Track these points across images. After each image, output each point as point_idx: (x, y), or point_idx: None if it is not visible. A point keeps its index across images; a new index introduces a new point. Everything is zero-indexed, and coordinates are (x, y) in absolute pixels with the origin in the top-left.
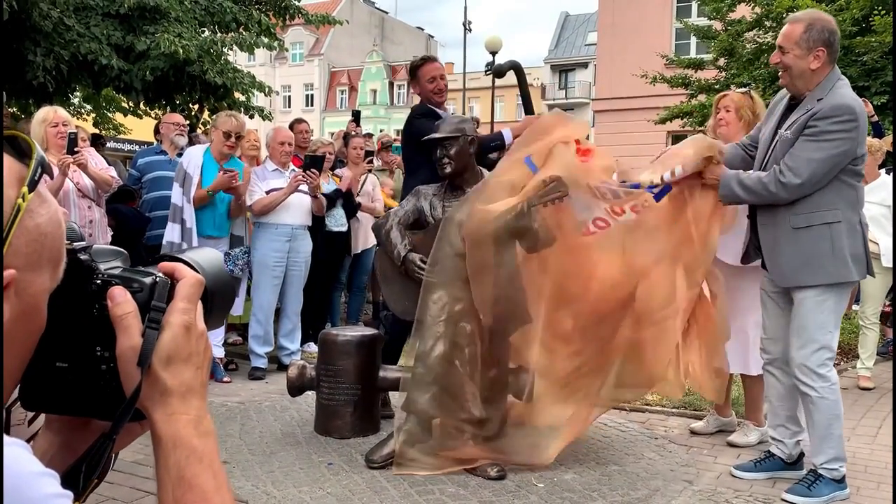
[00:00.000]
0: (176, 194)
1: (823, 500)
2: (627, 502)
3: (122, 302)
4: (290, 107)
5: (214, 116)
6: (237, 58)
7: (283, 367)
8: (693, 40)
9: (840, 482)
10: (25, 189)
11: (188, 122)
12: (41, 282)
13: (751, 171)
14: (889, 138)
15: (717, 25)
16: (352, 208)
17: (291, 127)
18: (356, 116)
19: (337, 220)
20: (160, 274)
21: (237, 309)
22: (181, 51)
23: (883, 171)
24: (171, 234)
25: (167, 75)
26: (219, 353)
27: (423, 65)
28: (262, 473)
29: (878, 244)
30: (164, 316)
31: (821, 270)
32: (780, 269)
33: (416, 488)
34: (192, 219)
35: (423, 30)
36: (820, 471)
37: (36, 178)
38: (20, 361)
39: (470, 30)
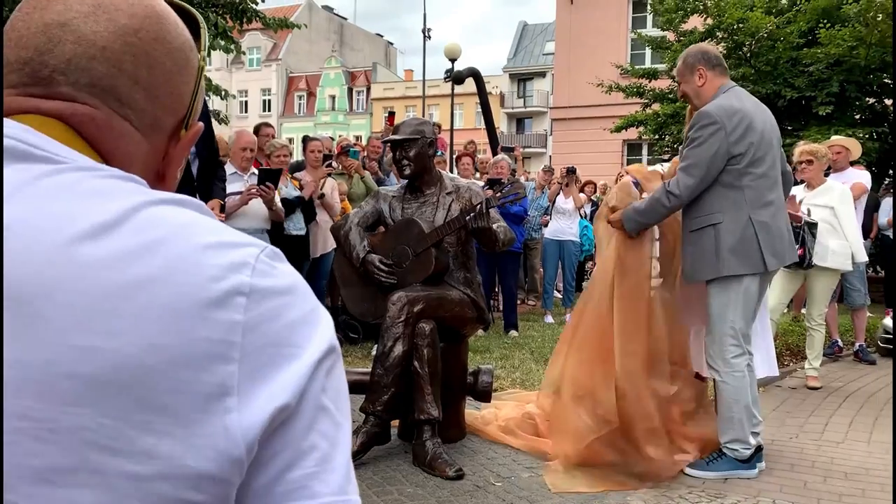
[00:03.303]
0: None
1: (719, 474)
2: (584, 500)
3: None
4: (246, 112)
5: None
6: None
7: None
8: (648, 51)
9: (745, 462)
10: (204, 53)
11: None
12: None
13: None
14: (836, 140)
15: (671, 36)
16: (311, 212)
17: (257, 131)
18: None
19: (296, 224)
20: None
21: None
22: None
23: (830, 177)
24: None
25: None
26: None
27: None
28: None
29: (827, 246)
30: None
31: (707, 267)
32: (684, 268)
33: (375, 489)
34: None
35: (382, 37)
36: (723, 449)
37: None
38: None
39: (429, 37)
